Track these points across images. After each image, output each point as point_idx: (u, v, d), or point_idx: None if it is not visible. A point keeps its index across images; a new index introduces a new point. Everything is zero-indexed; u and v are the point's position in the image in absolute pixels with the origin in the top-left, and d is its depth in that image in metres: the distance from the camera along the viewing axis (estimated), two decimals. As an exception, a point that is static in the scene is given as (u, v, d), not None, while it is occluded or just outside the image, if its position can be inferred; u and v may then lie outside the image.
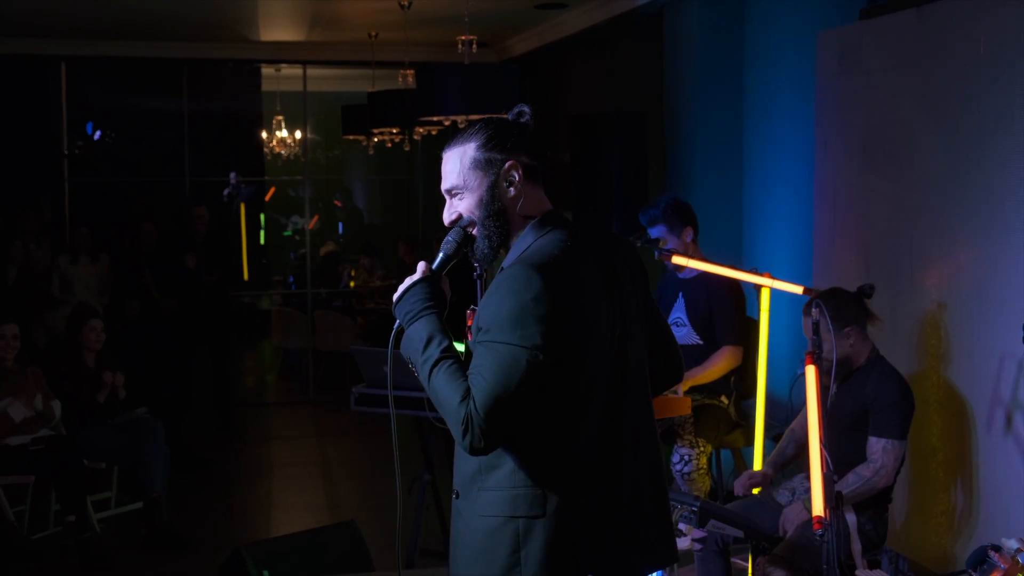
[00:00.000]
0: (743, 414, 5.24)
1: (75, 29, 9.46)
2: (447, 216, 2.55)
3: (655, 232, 5.11)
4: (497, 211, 2.50)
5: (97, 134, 11.33)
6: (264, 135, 11.87)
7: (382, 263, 12.31)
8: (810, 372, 3.48)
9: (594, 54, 9.09)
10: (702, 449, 4.97)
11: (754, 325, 4.96)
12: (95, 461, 6.48)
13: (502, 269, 2.47)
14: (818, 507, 3.38)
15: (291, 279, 12.06)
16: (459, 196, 2.52)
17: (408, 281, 2.49)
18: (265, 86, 11.85)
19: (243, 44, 10.26)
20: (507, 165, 2.49)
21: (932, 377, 4.60)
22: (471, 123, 2.60)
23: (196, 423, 8.95)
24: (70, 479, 6.03)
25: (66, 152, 10.52)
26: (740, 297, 5.14)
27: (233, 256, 9.62)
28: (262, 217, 12.33)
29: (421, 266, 2.51)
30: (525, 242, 2.49)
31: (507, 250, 2.53)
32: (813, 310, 3.65)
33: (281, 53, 10.58)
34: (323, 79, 11.83)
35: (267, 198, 12.59)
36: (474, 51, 6.52)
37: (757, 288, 4.68)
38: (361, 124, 9.00)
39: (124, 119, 11.23)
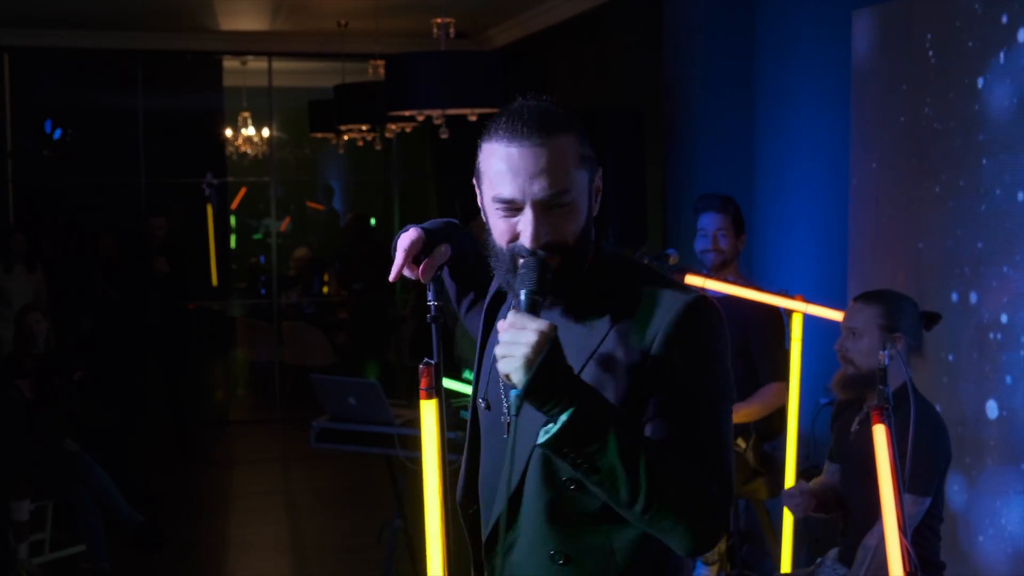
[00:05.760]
0: (765, 459, 4.45)
1: (19, 17, 9.00)
2: (541, 235, 1.76)
3: (716, 219, 4.31)
4: (590, 230, 1.83)
5: (57, 133, 10.87)
6: (229, 133, 11.33)
7: (355, 270, 11.68)
8: (880, 434, 2.70)
9: (584, 44, 8.58)
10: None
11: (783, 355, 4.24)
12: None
13: (537, 302, 1.73)
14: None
15: (262, 288, 11.42)
16: (563, 207, 1.77)
17: (537, 337, 1.65)
18: (229, 81, 11.34)
19: (202, 34, 9.83)
20: (600, 171, 1.87)
21: (992, 416, 3.89)
22: (536, 105, 1.79)
23: (149, 446, 8.48)
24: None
25: (10, 151, 9.96)
26: (782, 327, 4.35)
27: (197, 259, 9.24)
28: (232, 219, 11.79)
29: (515, 320, 1.70)
30: (610, 273, 1.86)
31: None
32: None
33: (244, 44, 10.15)
34: (290, 73, 11.46)
35: (235, 204, 12.02)
36: (451, 37, 5.88)
37: (787, 314, 3.96)
38: (329, 121, 8.51)
39: (74, 116, 10.76)
